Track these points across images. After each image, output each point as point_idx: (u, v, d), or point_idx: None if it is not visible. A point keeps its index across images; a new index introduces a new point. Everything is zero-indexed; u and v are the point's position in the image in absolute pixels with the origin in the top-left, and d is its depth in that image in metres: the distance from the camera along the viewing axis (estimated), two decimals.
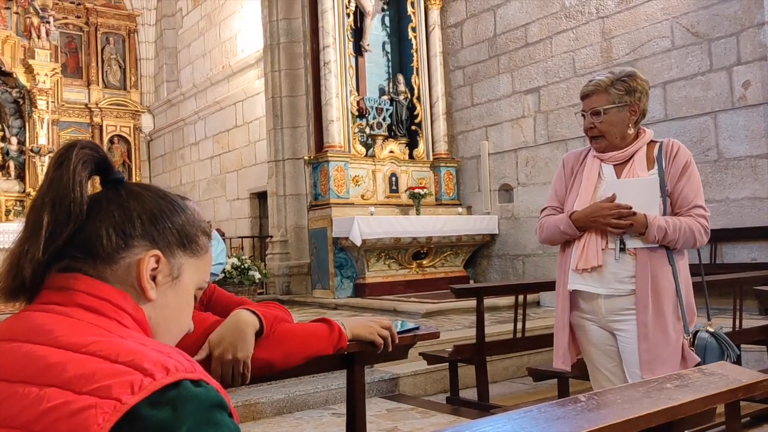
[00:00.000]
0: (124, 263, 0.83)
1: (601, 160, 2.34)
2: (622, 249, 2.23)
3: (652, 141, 2.33)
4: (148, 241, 0.85)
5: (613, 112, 2.26)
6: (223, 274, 7.15)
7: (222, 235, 11.57)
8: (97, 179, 0.90)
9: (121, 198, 0.86)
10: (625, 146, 2.30)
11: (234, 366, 1.40)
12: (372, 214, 7.77)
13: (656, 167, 2.26)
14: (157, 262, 0.85)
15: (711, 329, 2.20)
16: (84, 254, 0.83)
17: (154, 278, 0.85)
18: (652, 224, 2.17)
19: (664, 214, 2.22)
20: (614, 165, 2.33)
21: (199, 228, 0.93)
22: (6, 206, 12.34)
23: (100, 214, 0.84)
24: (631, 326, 2.22)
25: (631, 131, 2.30)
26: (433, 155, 8.87)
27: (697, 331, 2.20)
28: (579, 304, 2.35)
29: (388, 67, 9.05)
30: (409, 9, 8.91)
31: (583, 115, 2.35)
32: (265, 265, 8.41)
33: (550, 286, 5.55)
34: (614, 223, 2.19)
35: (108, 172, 0.89)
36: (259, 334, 1.47)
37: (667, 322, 2.19)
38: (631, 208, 2.19)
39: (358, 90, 8.56)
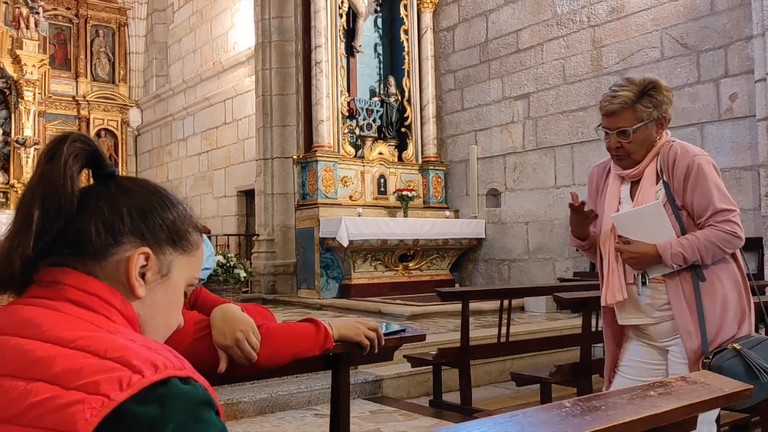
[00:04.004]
0: (113, 260, 0.83)
1: (623, 179, 2.21)
2: (644, 283, 2.11)
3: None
4: (137, 237, 0.84)
5: (641, 130, 2.08)
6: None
7: (208, 232, 11.51)
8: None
9: (111, 193, 0.85)
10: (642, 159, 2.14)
11: (248, 340, 1.46)
12: (359, 215, 7.77)
13: (661, 182, 2.10)
14: (147, 259, 0.84)
15: (738, 346, 2.00)
16: (73, 250, 0.82)
17: (143, 275, 0.84)
18: (664, 255, 2.03)
19: (683, 230, 2.06)
20: (632, 183, 2.18)
21: (191, 224, 0.91)
22: None
23: (90, 209, 0.83)
24: (681, 348, 2.10)
25: (657, 143, 2.13)
26: (422, 158, 8.89)
27: (719, 351, 2.01)
28: (632, 329, 2.25)
29: (380, 68, 9.06)
30: (402, 11, 8.93)
31: (606, 132, 2.14)
32: (251, 263, 8.38)
33: (535, 291, 5.61)
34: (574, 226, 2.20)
35: (100, 166, 0.88)
36: None
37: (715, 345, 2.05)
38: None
39: (348, 90, 8.56)
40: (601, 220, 2.22)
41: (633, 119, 2.07)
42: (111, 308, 0.81)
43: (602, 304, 2.22)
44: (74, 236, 0.82)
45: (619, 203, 2.19)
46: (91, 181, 0.89)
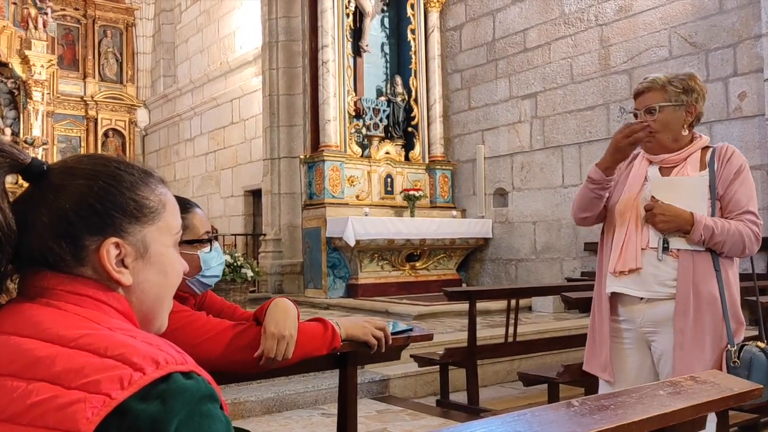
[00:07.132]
0: (88, 261, 0.80)
1: (650, 162, 2.21)
2: (665, 248, 2.08)
3: (706, 146, 2.19)
4: (97, 234, 0.79)
5: (668, 110, 2.13)
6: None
7: (215, 232, 11.53)
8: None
9: (46, 198, 0.80)
10: (677, 149, 2.16)
11: (288, 342, 1.52)
12: (366, 215, 7.77)
13: (708, 170, 2.12)
14: (118, 247, 0.80)
15: (762, 345, 2.02)
16: (44, 266, 0.80)
17: (123, 262, 0.81)
18: (698, 221, 2.03)
19: (712, 216, 2.08)
20: (662, 167, 2.19)
21: (143, 185, 0.84)
22: None
23: (35, 223, 0.79)
24: (667, 336, 2.08)
25: (686, 133, 2.17)
26: (428, 157, 8.88)
27: (744, 344, 2.03)
28: (617, 309, 2.20)
29: (387, 68, 9.06)
30: (409, 11, 8.92)
31: (634, 114, 2.19)
32: (258, 263, 8.38)
33: (542, 291, 5.59)
34: (631, 140, 2.08)
35: (24, 169, 0.81)
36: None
37: (706, 332, 2.04)
38: (647, 124, 2.10)
39: (355, 90, 8.56)
40: (619, 195, 2.23)
41: (661, 98, 2.14)
42: (104, 305, 0.79)
43: (609, 270, 2.18)
44: (38, 256, 0.79)
45: (645, 180, 2.20)
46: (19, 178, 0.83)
